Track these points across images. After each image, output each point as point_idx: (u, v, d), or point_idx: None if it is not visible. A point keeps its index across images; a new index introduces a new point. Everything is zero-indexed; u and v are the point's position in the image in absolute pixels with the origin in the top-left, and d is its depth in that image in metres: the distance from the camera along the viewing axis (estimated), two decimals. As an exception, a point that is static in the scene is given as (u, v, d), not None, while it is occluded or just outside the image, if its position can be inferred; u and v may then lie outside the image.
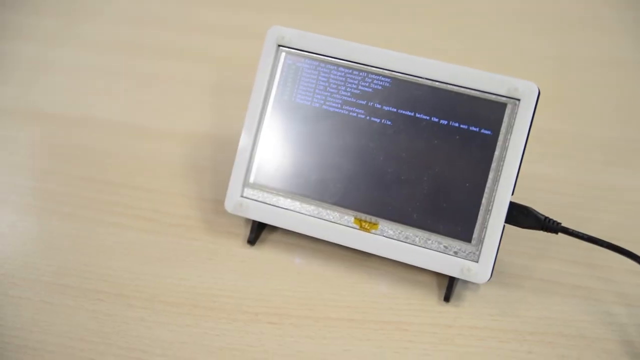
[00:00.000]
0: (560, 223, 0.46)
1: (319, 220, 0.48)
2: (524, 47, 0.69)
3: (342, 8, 0.73)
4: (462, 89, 0.46)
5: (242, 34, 0.69)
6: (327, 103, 0.48)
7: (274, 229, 0.51)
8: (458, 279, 0.47)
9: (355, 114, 0.48)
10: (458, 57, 0.53)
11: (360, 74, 0.48)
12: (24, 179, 0.55)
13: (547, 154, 0.56)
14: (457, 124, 0.46)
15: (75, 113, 0.61)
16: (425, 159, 0.46)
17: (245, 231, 0.51)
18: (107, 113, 0.61)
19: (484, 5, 0.75)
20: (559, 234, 0.46)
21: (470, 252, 0.46)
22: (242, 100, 0.61)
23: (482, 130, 0.46)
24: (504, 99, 0.45)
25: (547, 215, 0.46)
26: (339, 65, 0.48)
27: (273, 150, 0.49)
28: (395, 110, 0.47)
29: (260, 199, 0.49)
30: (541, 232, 0.47)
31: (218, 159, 0.57)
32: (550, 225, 0.46)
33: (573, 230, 0.45)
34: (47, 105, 0.62)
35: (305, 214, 0.48)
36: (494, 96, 0.46)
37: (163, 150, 0.58)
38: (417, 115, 0.47)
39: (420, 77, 0.47)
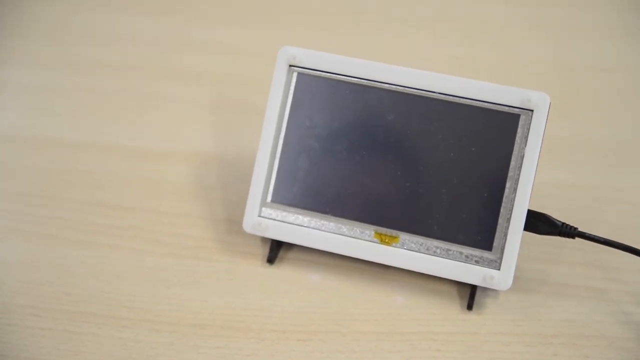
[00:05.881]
0: (577, 228, 0.47)
1: (340, 236, 0.49)
2: (527, 55, 0.71)
3: (339, 22, 0.74)
4: (476, 102, 0.47)
5: (237, 52, 0.70)
6: (342, 120, 0.49)
7: (291, 246, 0.51)
8: (479, 287, 0.48)
9: (370, 131, 0.49)
10: (463, 68, 0.55)
11: (373, 90, 0.49)
12: (30, 207, 0.54)
13: (548, 160, 0.58)
14: (472, 137, 0.47)
15: (75, 137, 0.61)
16: (442, 172, 0.48)
17: (263, 250, 0.51)
18: (108, 136, 0.60)
19: (485, 14, 0.76)
20: (576, 238, 0.47)
21: (491, 261, 0.47)
22: (244, 118, 0.62)
23: (497, 141, 0.47)
24: (517, 110, 0.47)
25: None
26: (351, 83, 0.49)
27: (289, 169, 0.50)
28: (410, 125, 0.48)
29: (278, 218, 0.49)
30: (553, 237, 0.48)
31: (225, 178, 0.57)
32: (567, 231, 0.47)
33: (590, 234, 0.47)
34: (47, 131, 0.61)
35: (325, 231, 0.49)
36: (507, 108, 0.47)
37: (168, 171, 0.58)
38: (433, 129, 0.48)
39: (435, 92, 0.48)
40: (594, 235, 0.47)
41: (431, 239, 0.48)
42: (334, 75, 0.49)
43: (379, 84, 0.49)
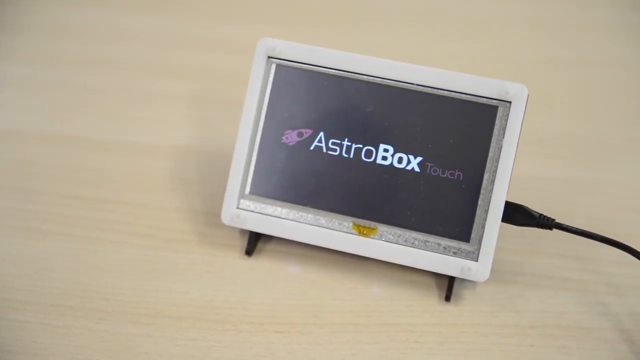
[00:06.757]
0: (554, 219, 0.47)
1: (318, 228, 0.49)
2: (526, 53, 0.71)
3: (339, 21, 0.74)
4: (455, 93, 0.47)
5: (219, 47, 0.69)
6: (320, 111, 0.49)
7: (269, 238, 0.51)
8: (457, 278, 0.48)
9: (348, 122, 0.49)
10: (463, 66, 0.55)
11: (352, 82, 0.49)
12: (12, 201, 0.54)
13: (527, 153, 0.58)
14: (450, 128, 0.47)
15: (58, 131, 0.60)
16: (420, 163, 0.48)
17: (241, 242, 0.51)
18: (90, 130, 0.60)
19: (484, 13, 0.76)
20: (553, 229, 0.47)
21: (469, 252, 0.47)
22: (224, 113, 0.62)
23: (475, 133, 0.47)
24: (495, 101, 0.47)
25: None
26: (330, 75, 0.49)
27: (268, 161, 0.49)
28: (389, 116, 0.48)
29: (257, 210, 0.49)
30: (531, 228, 0.48)
31: (205, 171, 0.57)
32: (544, 222, 0.47)
33: (567, 225, 0.47)
34: (29, 125, 0.61)
35: (304, 223, 0.49)
36: (485, 99, 0.47)
37: (149, 165, 0.57)
38: (411, 120, 0.48)
39: (413, 84, 0.48)
40: (571, 227, 0.47)
41: (409, 231, 0.48)
42: (313, 67, 0.49)
43: (358, 75, 0.49)
